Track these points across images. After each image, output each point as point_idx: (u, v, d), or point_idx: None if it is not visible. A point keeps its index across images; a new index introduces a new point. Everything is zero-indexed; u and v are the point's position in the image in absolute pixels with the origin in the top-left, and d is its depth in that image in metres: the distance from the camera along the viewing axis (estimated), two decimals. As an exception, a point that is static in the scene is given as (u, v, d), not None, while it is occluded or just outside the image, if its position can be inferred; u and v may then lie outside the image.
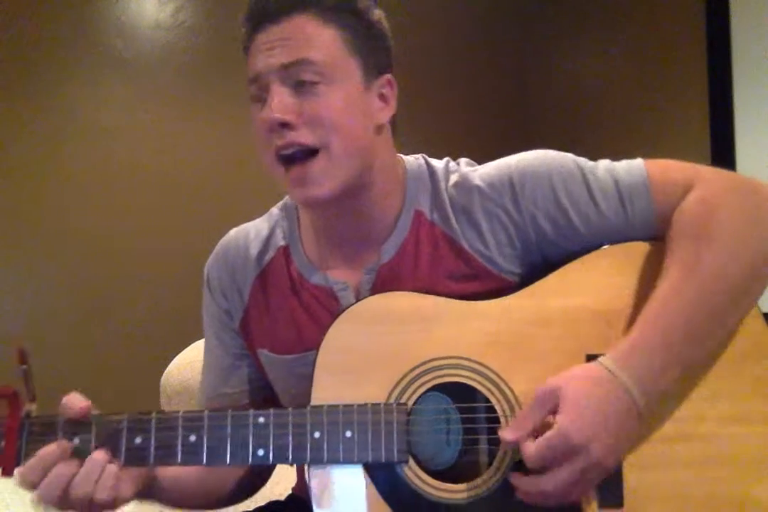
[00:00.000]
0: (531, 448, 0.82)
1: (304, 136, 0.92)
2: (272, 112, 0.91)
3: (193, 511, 1.08)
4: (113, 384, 2.19)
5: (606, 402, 0.83)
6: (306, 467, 0.89)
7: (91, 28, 2.52)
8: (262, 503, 1.19)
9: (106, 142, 2.51)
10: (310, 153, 0.92)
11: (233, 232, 1.13)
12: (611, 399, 0.83)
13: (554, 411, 0.83)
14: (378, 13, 0.99)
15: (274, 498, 1.22)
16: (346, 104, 0.94)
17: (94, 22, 2.53)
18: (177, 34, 2.62)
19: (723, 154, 2.35)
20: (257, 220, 1.12)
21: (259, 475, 1.14)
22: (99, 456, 0.85)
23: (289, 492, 1.23)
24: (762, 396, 0.91)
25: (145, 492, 0.92)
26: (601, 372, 0.85)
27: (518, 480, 0.85)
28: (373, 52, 0.97)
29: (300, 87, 0.92)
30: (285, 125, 0.91)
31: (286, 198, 1.12)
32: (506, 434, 0.84)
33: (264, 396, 1.10)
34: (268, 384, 1.09)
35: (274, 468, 1.15)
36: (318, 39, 0.93)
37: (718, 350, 0.92)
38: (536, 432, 0.83)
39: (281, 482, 1.29)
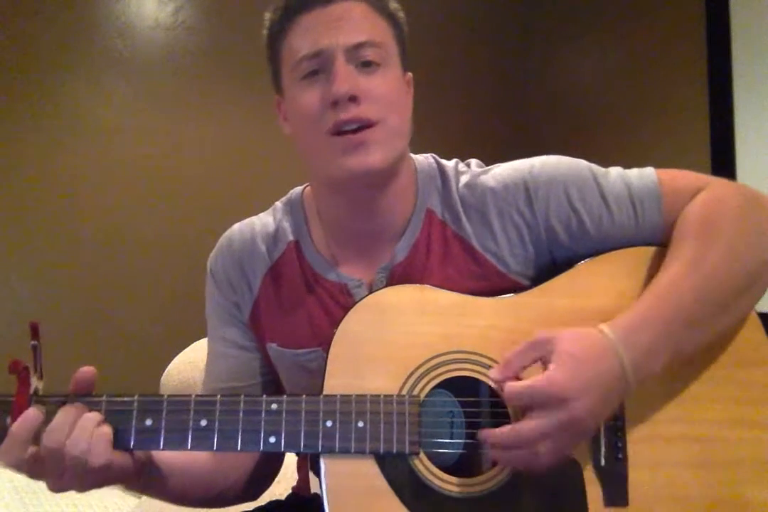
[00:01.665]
0: (514, 386, 0.81)
1: (367, 112, 0.94)
2: (343, 85, 0.92)
3: (193, 508, 1.07)
4: (113, 384, 2.18)
5: (599, 365, 0.82)
6: (310, 457, 0.89)
7: (91, 28, 2.52)
8: (262, 502, 1.19)
9: (106, 141, 2.51)
10: (366, 127, 0.94)
11: (237, 226, 1.13)
12: (604, 364, 0.83)
13: (544, 360, 0.84)
14: (402, 16, 1.03)
15: (274, 498, 1.22)
16: (398, 87, 0.99)
17: (94, 22, 2.53)
18: (177, 34, 2.62)
19: (723, 155, 2.35)
20: (261, 215, 1.13)
21: (262, 478, 1.12)
22: (92, 414, 0.84)
23: (290, 491, 1.23)
24: (764, 401, 0.92)
25: (143, 479, 0.90)
26: (600, 337, 0.85)
27: (488, 432, 0.83)
28: (403, 49, 1.02)
29: (364, 67, 0.95)
30: (352, 100, 0.93)
31: (290, 193, 1.13)
32: (493, 372, 0.85)
33: (274, 390, 1.10)
34: (278, 378, 1.09)
35: (276, 473, 1.14)
36: (377, 25, 0.98)
37: (724, 356, 0.93)
38: (521, 376, 0.84)
39: (281, 482, 1.29)
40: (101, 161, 2.50)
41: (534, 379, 0.81)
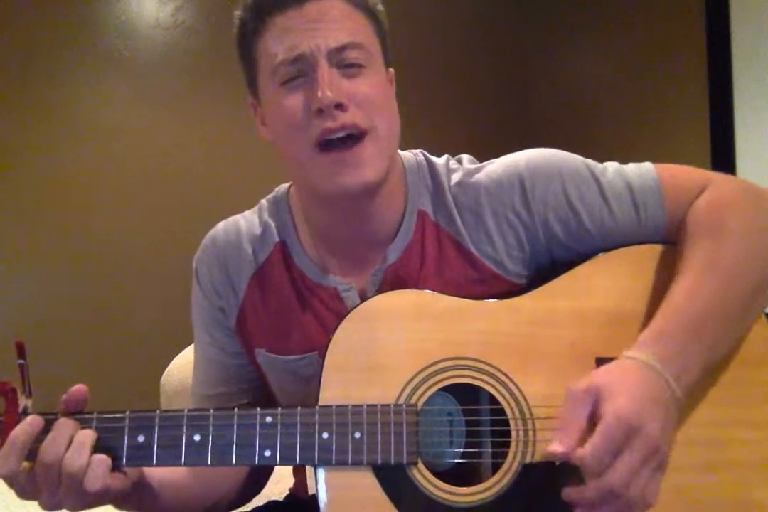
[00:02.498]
0: (586, 450, 0.74)
1: (355, 118, 0.89)
2: (328, 93, 0.87)
3: None
4: (113, 385, 2.19)
5: (645, 386, 0.79)
6: (312, 469, 0.86)
7: (91, 28, 2.52)
8: (260, 503, 1.19)
9: (106, 141, 2.50)
10: (356, 137, 0.90)
11: (221, 224, 1.09)
12: (648, 383, 0.79)
13: (594, 407, 0.77)
14: (382, 9, 0.99)
15: (273, 498, 1.21)
16: (384, 87, 0.95)
17: (94, 22, 2.53)
18: (177, 34, 2.62)
19: (723, 155, 2.35)
20: (246, 213, 1.09)
21: (255, 482, 1.10)
22: (87, 431, 0.82)
23: (287, 492, 1.23)
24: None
25: (136, 498, 0.88)
26: (632, 362, 0.81)
27: (574, 492, 0.76)
28: (385, 44, 0.98)
29: (347, 69, 0.91)
30: (338, 107, 0.88)
31: (276, 191, 1.09)
32: (555, 447, 0.75)
33: (264, 394, 1.07)
34: (266, 383, 1.06)
35: (270, 473, 1.13)
36: (357, 22, 0.93)
37: (729, 356, 0.91)
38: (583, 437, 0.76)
39: (280, 482, 1.29)
40: (100, 160, 2.50)
41: (600, 429, 0.75)
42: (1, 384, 0.84)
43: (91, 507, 0.84)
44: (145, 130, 2.56)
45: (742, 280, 0.88)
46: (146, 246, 2.51)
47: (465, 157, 1.04)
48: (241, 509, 1.15)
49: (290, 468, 1.21)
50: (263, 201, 1.09)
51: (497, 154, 1.04)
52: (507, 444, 0.87)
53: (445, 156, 1.05)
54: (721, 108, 2.35)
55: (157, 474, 0.93)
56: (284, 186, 1.09)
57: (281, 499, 1.21)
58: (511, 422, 0.88)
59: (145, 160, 2.54)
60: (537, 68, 3.09)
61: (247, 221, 1.07)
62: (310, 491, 1.16)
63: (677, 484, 0.87)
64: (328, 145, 0.90)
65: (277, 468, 1.15)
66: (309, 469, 1.15)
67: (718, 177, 0.97)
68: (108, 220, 2.49)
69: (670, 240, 0.95)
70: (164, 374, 1.79)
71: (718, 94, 2.37)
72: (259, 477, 1.10)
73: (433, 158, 1.04)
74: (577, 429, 0.76)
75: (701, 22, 2.41)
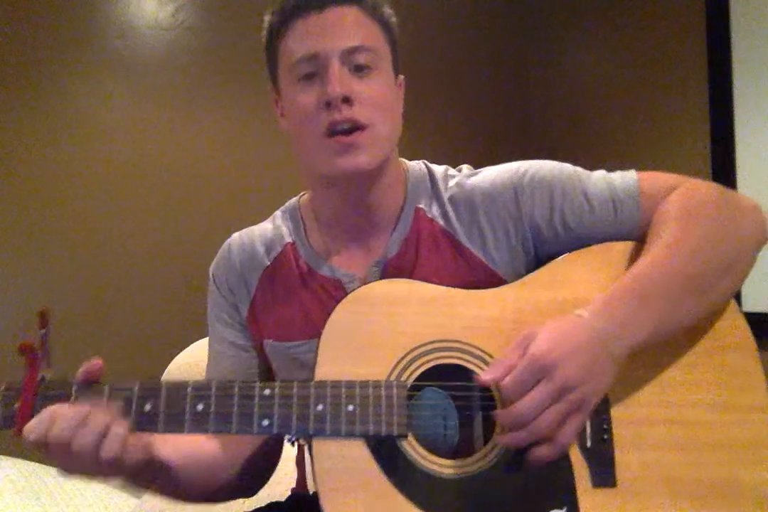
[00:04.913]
0: (506, 379, 0.85)
1: (359, 114, 0.99)
2: (337, 88, 0.97)
3: (192, 504, 1.10)
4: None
5: (578, 338, 0.87)
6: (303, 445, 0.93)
7: (91, 28, 2.53)
8: (261, 504, 1.19)
9: (106, 141, 2.51)
10: (359, 128, 0.99)
11: (236, 234, 1.17)
12: (583, 336, 0.87)
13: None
14: (395, 21, 1.08)
15: (274, 499, 1.22)
16: (389, 91, 1.05)
17: (94, 22, 2.53)
18: (177, 34, 2.62)
19: (723, 156, 2.35)
20: (261, 224, 1.18)
21: (259, 475, 1.15)
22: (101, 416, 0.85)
23: (289, 493, 1.23)
24: (745, 387, 0.96)
25: (145, 472, 0.92)
26: (575, 318, 0.89)
27: (498, 412, 0.88)
28: (395, 52, 1.07)
29: (357, 70, 1.00)
30: (346, 101, 0.98)
31: (288, 202, 1.18)
32: (482, 375, 0.87)
33: None
34: (274, 377, 1.12)
35: (273, 469, 1.16)
36: (370, 30, 1.03)
37: (707, 343, 0.97)
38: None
39: (281, 482, 1.29)
40: (101, 160, 2.50)
41: (520, 363, 0.85)
42: (24, 344, 0.86)
43: (101, 477, 0.88)
44: (145, 130, 2.56)
45: (706, 258, 0.94)
46: (146, 245, 2.51)
47: (464, 166, 1.15)
48: (242, 511, 1.16)
49: (293, 466, 1.22)
50: (276, 212, 1.19)
51: (496, 154, 1.13)
52: (493, 422, 0.92)
53: (444, 165, 1.15)
54: (722, 108, 2.36)
55: (170, 453, 0.98)
56: (294, 198, 1.19)
57: (282, 500, 1.21)
58: (497, 400, 0.92)
59: (145, 159, 2.55)
60: (537, 69, 3.09)
61: (260, 228, 1.17)
62: (312, 488, 1.17)
63: (657, 461, 0.91)
64: (334, 133, 0.99)
65: (279, 468, 1.15)
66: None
67: (692, 179, 1.05)
68: (108, 220, 2.49)
69: (645, 236, 1.01)
70: (165, 373, 1.80)
71: (719, 95, 2.37)
72: (264, 468, 1.16)
73: (434, 166, 1.15)
74: (507, 363, 0.87)
75: (701, 22, 2.42)
